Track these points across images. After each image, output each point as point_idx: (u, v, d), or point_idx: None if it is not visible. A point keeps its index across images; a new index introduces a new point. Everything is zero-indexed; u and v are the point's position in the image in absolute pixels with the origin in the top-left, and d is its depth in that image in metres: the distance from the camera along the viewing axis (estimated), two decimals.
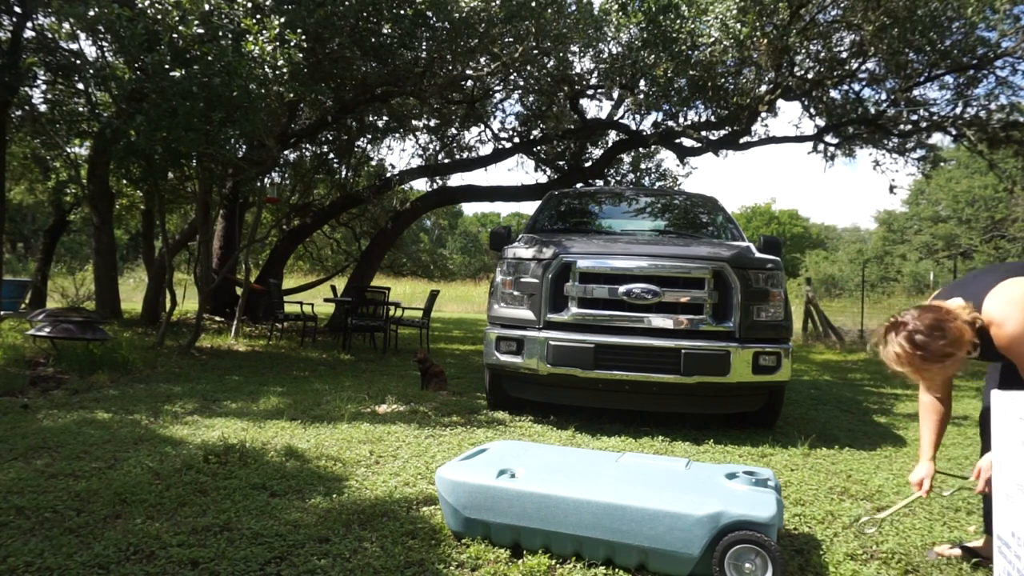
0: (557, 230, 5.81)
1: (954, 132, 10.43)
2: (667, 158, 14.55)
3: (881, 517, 2.61)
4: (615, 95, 11.28)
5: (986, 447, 2.35)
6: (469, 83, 10.44)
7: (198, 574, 2.07)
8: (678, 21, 8.50)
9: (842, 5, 9.22)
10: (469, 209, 55.83)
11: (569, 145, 12.58)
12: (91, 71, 7.39)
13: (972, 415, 4.86)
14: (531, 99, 11.78)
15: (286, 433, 3.96)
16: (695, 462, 2.72)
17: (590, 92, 11.50)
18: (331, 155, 12.01)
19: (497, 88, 11.39)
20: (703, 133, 10.99)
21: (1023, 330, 1.96)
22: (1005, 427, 1.82)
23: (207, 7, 6.26)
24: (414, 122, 11.77)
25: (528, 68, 9.70)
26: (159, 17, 6.15)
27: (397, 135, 12.21)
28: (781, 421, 4.84)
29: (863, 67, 10.05)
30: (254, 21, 6.26)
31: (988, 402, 2.32)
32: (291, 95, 6.83)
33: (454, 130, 12.56)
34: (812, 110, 10.94)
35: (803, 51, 9.75)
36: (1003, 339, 2.01)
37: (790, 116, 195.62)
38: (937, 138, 12.04)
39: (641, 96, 10.13)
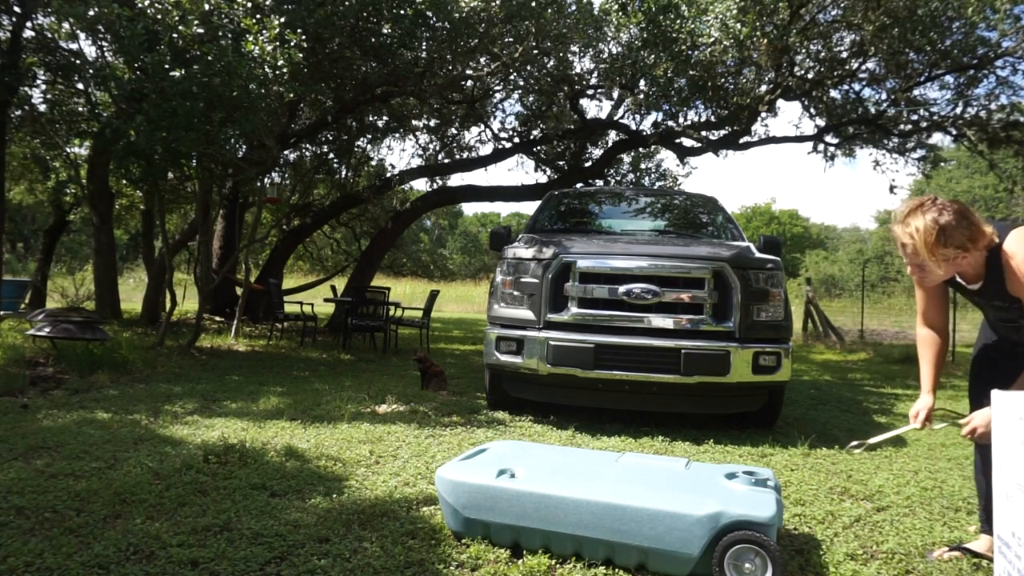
0: (557, 230, 5.81)
1: (954, 132, 10.43)
2: (667, 158, 14.57)
3: (872, 442, 2.55)
4: (615, 95, 11.29)
5: (973, 394, 2.41)
6: (469, 83, 10.44)
7: (198, 574, 2.07)
8: (678, 21, 8.50)
9: (842, 5, 9.22)
10: (469, 209, 55.87)
11: (569, 145, 12.58)
12: (91, 71, 7.38)
13: None
14: (531, 99, 11.78)
15: (286, 433, 3.96)
16: (695, 462, 2.72)
17: (590, 92, 11.51)
18: (331, 155, 12.01)
19: (497, 88, 11.39)
20: (703, 133, 10.99)
21: None
22: (1005, 427, 1.82)
23: (207, 7, 6.26)
24: (414, 122, 11.77)
25: (528, 68, 9.70)
26: (159, 17, 6.15)
27: (397, 135, 12.22)
28: (781, 421, 4.84)
29: (863, 67, 10.05)
30: (254, 21, 6.26)
31: (979, 348, 2.42)
32: (291, 95, 6.83)
33: (454, 130, 12.57)
34: (812, 110, 10.94)
35: (803, 51, 9.75)
36: (1013, 275, 2.01)
37: (790, 116, 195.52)
38: (937, 138, 12.06)
39: (641, 96, 10.13)
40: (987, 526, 2.40)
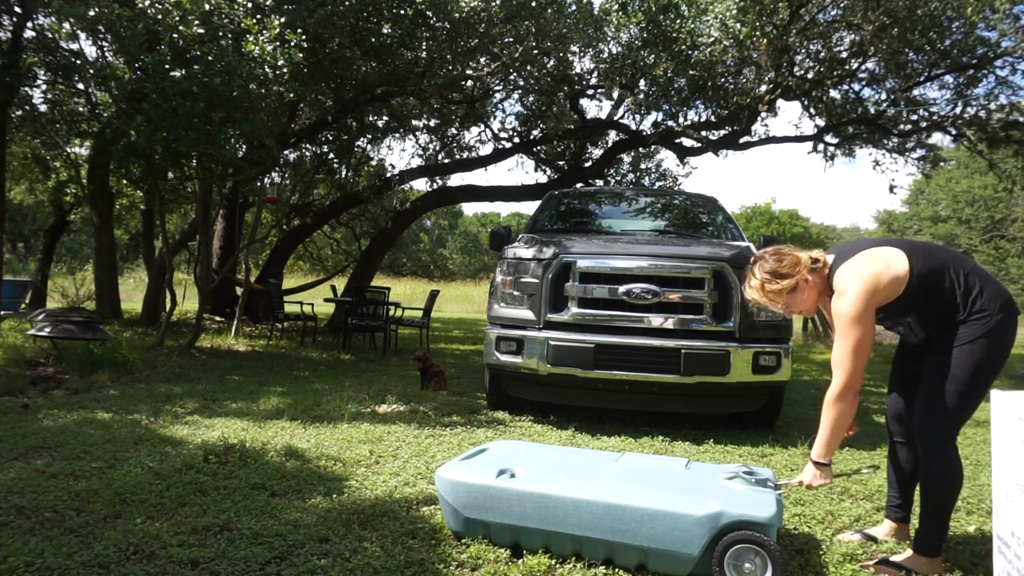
0: (557, 230, 5.81)
1: (954, 132, 10.43)
2: (667, 158, 14.57)
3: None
4: (615, 95, 11.29)
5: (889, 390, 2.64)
6: (469, 83, 10.44)
7: (198, 574, 2.07)
8: (678, 21, 8.49)
9: (842, 5, 9.22)
10: (469, 209, 55.72)
11: (569, 145, 12.58)
12: (91, 71, 7.39)
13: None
14: (531, 99, 11.78)
15: (286, 433, 3.96)
16: (695, 462, 2.72)
17: (590, 92, 11.51)
18: (331, 155, 12.01)
19: (497, 88, 11.39)
20: (703, 133, 10.99)
21: (847, 304, 2.25)
22: (1005, 427, 1.82)
23: (207, 7, 6.26)
24: (414, 122, 11.77)
25: (528, 68, 9.70)
26: (159, 17, 6.15)
27: (397, 135, 12.21)
28: (781, 421, 4.84)
29: (863, 67, 10.05)
30: (254, 21, 6.26)
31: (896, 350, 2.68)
32: (291, 95, 6.83)
33: (454, 130, 12.56)
34: (812, 110, 10.94)
35: (803, 51, 9.74)
36: (834, 303, 2.32)
37: (790, 116, 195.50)
38: (937, 138, 12.05)
39: (641, 96, 10.13)
40: (892, 511, 2.64)
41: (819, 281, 2.42)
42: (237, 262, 10.70)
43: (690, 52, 8.66)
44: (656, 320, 4.30)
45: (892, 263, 2.29)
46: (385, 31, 7.72)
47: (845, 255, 2.38)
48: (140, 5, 6.29)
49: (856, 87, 10.73)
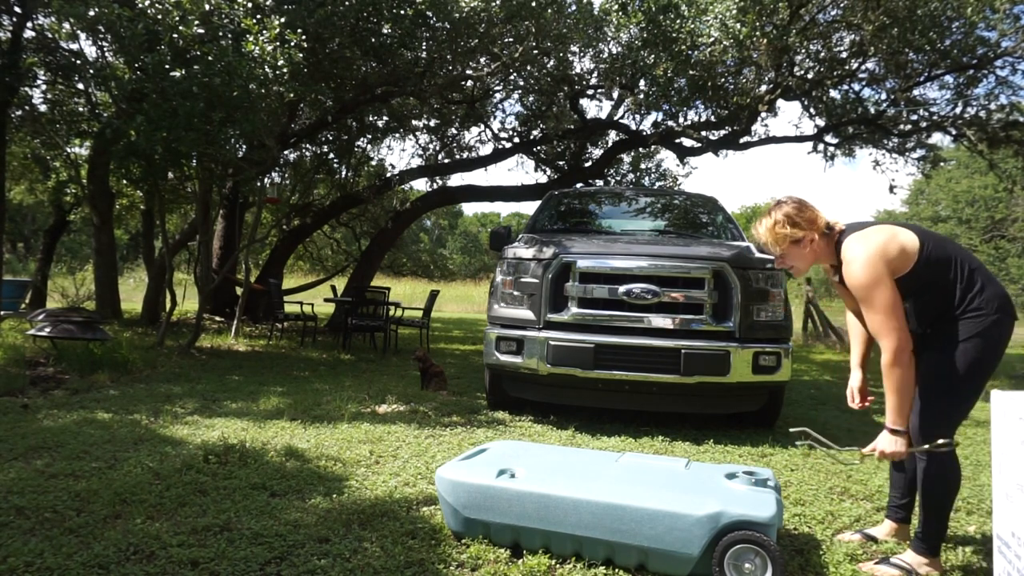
0: (557, 230, 5.81)
1: (954, 132, 10.42)
2: (667, 158, 14.56)
3: (816, 441, 2.62)
4: (615, 95, 11.29)
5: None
6: (469, 83, 10.44)
7: (198, 574, 2.07)
8: (678, 21, 8.49)
9: (842, 5, 9.21)
10: (469, 209, 55.76)
11: (569, 145, 12.58)
12: (91, 71, 7.39)
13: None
14: (531, 99, 11.79)
15: (286, 433, 3.96)
16: (695, 462, 2.72)
17: (590, 92, 11.51)
18: (331, 155, 12.01)
19: (497, 88, 11.40)
20: (703, 133, 10.99)
21: (859, 270, 2.27)
22: (1005, 427, 1.82)
23: (207, 7, 6.26)
24: (414, 122, 11.77)
25: (528, 68, 9.70)
26: (159, 17, 6.15)
27: (397, 135, 12.22)
28: (781, 421, 4.84)
29: (863, 67, 10.04)
30: (254, 21, 6.26)
31: None
32: (291, 95, 6.83)
33: (454, 130, 12.57)
34: (812, 110, 10.93)
35: (803, 51, 9.74)
36: (846, 273, 2.34)
37: (790, 116, 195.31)
38: (937, 138, 12.05)
39: (641, 96, 10.13)
40: (892, 511, 2.67)
41: (824, 247, 2.44)
42: (237, 262, 10.69)
43: (690, 52, 8.65)
44: (656, 320, 4.30)
45: (900, 235, 2.31)
46: (385, 31, 7.72)
47: (855, 228, 2.42)
48: (140, 5, 6.29)
49: (856, 87, 10.73)
